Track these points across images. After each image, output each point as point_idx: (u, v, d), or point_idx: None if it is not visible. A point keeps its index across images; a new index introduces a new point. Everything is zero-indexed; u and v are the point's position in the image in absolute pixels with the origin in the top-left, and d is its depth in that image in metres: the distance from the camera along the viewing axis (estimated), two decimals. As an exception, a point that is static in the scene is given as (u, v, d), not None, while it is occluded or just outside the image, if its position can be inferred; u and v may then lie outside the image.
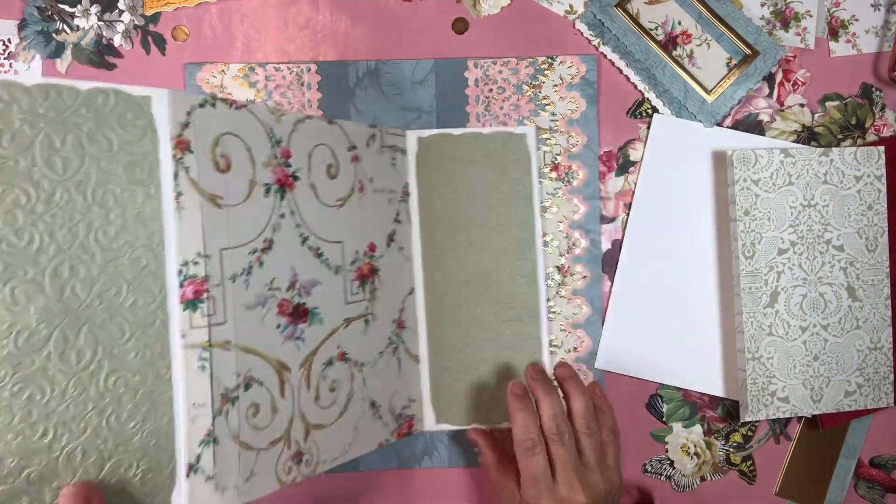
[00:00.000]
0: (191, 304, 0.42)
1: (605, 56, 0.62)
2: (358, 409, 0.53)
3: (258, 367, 0.46)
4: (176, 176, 0.41)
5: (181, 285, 0.42)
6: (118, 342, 0.41)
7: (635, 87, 0.63)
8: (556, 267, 0.62)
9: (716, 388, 0.62)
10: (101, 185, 0.40)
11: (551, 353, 0.62)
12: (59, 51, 0.60)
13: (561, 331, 0.62)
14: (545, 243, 0.62)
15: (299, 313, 0.49)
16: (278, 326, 0.47)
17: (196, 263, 0.42)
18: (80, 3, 0.60)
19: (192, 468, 0.41)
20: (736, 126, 0.63)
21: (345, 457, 0.51)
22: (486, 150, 0.59)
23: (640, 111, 0.63)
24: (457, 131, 0.60)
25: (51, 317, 0.39)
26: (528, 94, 0.62)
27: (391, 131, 0.58)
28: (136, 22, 0.61)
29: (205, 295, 0.42)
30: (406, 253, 0.59)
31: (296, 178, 0.49)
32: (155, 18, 0.61)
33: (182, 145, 0.42)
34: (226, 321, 0.44)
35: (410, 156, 0.59)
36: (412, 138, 0.59)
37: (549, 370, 0.58)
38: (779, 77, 0.63)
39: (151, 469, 0.41)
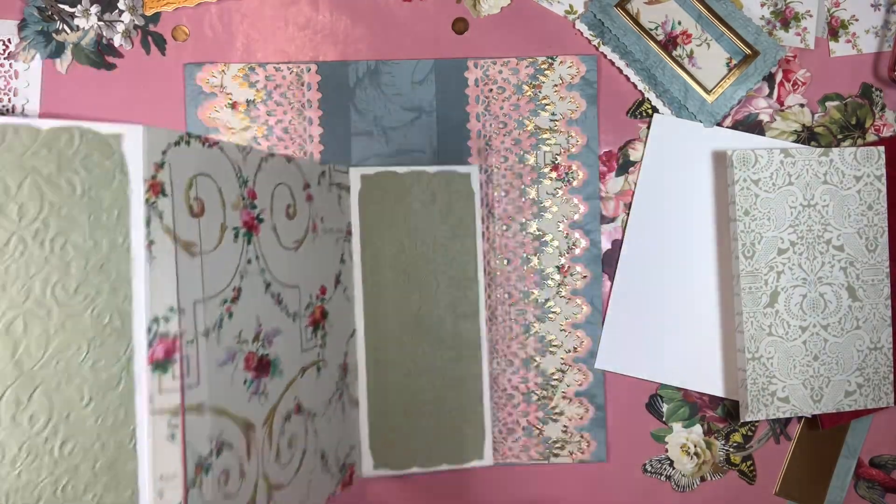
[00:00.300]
0: (160, 365, 0.37)
1: (605, 56, 0.62)
2: (310, 462, 0.51)
3: (228, 429, 0.41)
4: (148, 222, 0.37)
5: (150, 344, 0.36)
6: (76, 406, 0.37)
7: (635, 87, 0.63)
8: (556, 267, 0.62)
9: (716, 388, 0.62)
10: (61, 234, 0.36)
11: (551, 353, 0.62)
12: (59, 51, 0.60)
13: (561, 331, 0.62)
14: (545, 243, 0.62)
15: (263, 366, 0.46)
16: (245, 382, 0.44)
17: (167, 320, 0.37)
18: (80, 3, 0.60)
19: None
20: (736, 126, 0.63)
21: None
22: (431, 189, 0.59)
23: (640, 111, 0.63)
24: (401, 169, 0.58)
25: (1, 377, 0.36)
26: (528, 94, 0.62)
27: (338, 168, 0.57)
28: (136, 22, 0.61)
29: (176, 355, 0.38)
30: (349, 294, 0.57)
31: (260, 221, 0.46)
32: (155, 18, 0.61)
33: (156, 188, 0.37)
34: (199, 382, 0.39)
35: (353, 193, 0.58)
36: (355, 176, 0.58)
37: (488, 406, 0.59)
38: (779, 77, 0.63)
39: None
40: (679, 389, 0.63)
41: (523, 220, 0.62)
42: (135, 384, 0.37)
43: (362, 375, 0.58)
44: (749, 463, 0.63)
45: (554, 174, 0.62)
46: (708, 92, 0.61)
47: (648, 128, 0.62)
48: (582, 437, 0.62)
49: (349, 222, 0.57)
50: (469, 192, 0.59)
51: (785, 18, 0.63)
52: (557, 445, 0.62)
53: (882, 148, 0.60)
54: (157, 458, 0.36)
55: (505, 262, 0.62)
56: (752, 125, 0.63)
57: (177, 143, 0.39)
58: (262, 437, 0.44)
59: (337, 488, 0.54)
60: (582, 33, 0.62)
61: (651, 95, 0.62)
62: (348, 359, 0.56)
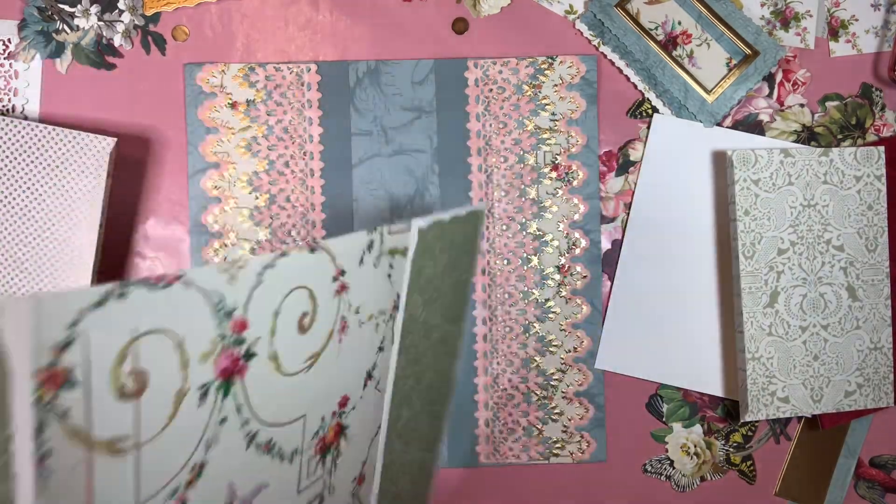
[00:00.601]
0: None
1: (605, 56, 0.62)
2: None
3: None
4: (41, 429, 0.25)
5: None
6: None
7: (635, 87, 0.63)
8: (556, 267, 0.62)
9: (716, 388, 0.62)
10: None
11: (551, 353, 0.62)
12: (59, 51, 0.60)
13: (561, 331, 0.62)
14: (545, 243, 0.62)
15: None
16: None
17: None
18: (80, 3, 0.60)
19: None
20: (736, 126, 0.63)
21: None
22: (450, 238, 0.46)
23: (640, 111, 0.63)
24: (446, 215, 0.45)
25: None
26: (528, 94, 0.62)
27: (394, 230, 0.42)
28: (136, 22, 0.61)
29: None
30: (381, 386, 0.44)
31: (250, 357, 0.34)
32: (155, 18, 0.61)
33: (56, 379, 0.25)
34: None
35: (409, 257, 0.43)
36: (414, 229, 0.43)
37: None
38: (779, 77, 0.63)
39: None
40: (679, 389, 0.63)
41: (523, 220, 0.62)
42: None
43: (377, 480, 0.47)
44: (749, 463, 0.63)
45: (554, 174, 0.62)
46: (708, 92, 0.61)
47: (648, 128, 0.62)
48: (582, 437, 0.62)
49: (397, 295, 0.43)
50: (473, 234, 0.48)
51: (785, 18, 0.63)
52: (557, 445, 0.62)
53: (882, 148, 0.60)
54: None
55: (505, 262, 0.62)
56: (752, 125, 0.63)
57: (99, 304, 0.26)
58: None
59: None
60: (582, 33, 0.62)
61: (651, 95, 0.62)
62: (366, 468, 0.45)
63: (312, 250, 0.37)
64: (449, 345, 0.47)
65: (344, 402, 0.41)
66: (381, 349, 0.43)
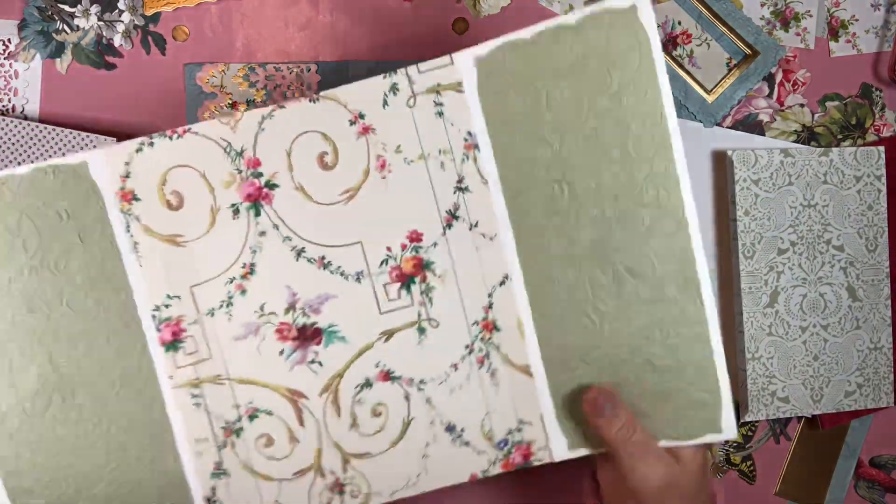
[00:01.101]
0: (171, 345, 0.43)
1: (605, 56, 0.62)
2: (423, 434, 0.45)
3: (262, 397, 0.43)
4: (128, 228, 0.42)
5: (158, 330, 0.42)
6: (109, 394, 0.42)
7: (635, 87, 0.63)
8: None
9: (716, 388, 0.62)
10: (62, 256, 0.42)
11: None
12: (59, 51, 0.60)
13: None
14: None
15: (308, 335, 0.43)
16: (281, 353, 0.43)
17: (168, 306, 0.42)
18: (80, 3, 0.60)
19: (209, 501, 0.43)
20: (736, 126, 0.63)
21: (412, 489, 0.45)
22: (578, 53, 0.41)
23: (640, 111, 0.63)
24: (526, 32, 0.41)
25: (46, 382, 0.42)
26: (528, 93, 0.62)
27: (426, 67, 0.42)
28: (136, 22, 0.61)
29: (183, 335, 0.43)
30: (486, 229, 0.43)
31: (272, 188, 0.42)
32: (155, 18, 0.61)
33: (126, 196, 0.42)
34: (211, 356, 0.43)
35: (469, 91, 0.42)
36: (466, 62, 0.42)
37: (722, 360, 0.43)
38: (779, 77, 0.63)
39: None
40: (679, 389, 0.63)
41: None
42: (154, 365, 0.42)
43: (531, 336, 0.44)
44: (749, 463, 0.63)
45: (554, 174, 0.62)
46: (708, 92, 0.61)
47: (648, 128, 0.62)
48: (582, 436, 0.62)
49: (469, 132, 0.42)
50: (635, 42, 0.41)
51: (785, 18, 0.63)
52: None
53: (882, 148, 0.60)
54: (190, 425, 0.43)
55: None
56: (752, 125, 0.63)
57: (138, 150, 0.42)
58: (323, 406, 0.44)
59: (495, 467, 0.45)
60: (582, 33, 0.62)
61: (651, 95, 0.62)
62: (494, 314, 0.44)
63: (314, 101, 0.42)
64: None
65: (416, 237, 0.43)
66: (462, 189, 0.43)
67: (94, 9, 0.60)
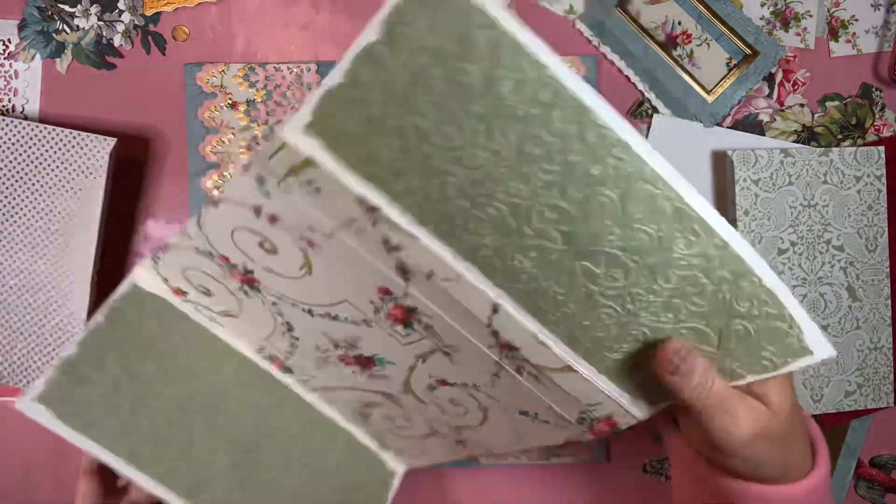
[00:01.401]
0: (285, 370, 0.50)
1: (605, 56, 0.62)
2: (500, 417, 0.46)
3: (354, 399, 0.50)
4: (197, 309, 0.47)
5: (271, 362, 0.51)
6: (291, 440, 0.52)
7: (635, 87, 0.63)
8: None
9: (716, 388, 0.62)
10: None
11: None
12: (59, 51, 0.60)
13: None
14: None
15: (363, 361, 0.46)
16: (354, 372, 0.48)
17: (264, 348, 0.49)
18: (80, 3, 0.60)
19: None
20: (736, 126, 0.63)
21: (518, 445, 0.49)
22: (411, 69, 0.36)
23: (640, 111, 0.63)
24: (337, 74, 0.37)
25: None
26: (528, 93, 0.62)
27: (267, 149, 0.35)
28: (136, 22, 0.61)
29: (285, 365, 0.50)
30: (445, 273, 0.37)
31: (249, 272, 0.42)
32: (155, 18, 0.61)
33: (178, 293, 0.47)
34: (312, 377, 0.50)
35: (324, 160, 0.34)
36: (296, 136, 0.34)
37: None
38: (779, 77, 0.63)
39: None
40: (679, 389, 0.63)
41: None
42: (292, 388, 0.51)
43: (553, 343, 0.39)
44: (749, 463, 0.63)
45: (554, 174, 0.62)
46: (708, 92, 0.61)
47: (648, 128, 0.62)
48: (582, 436, 0.62)
49: (358, 200, 0.35)
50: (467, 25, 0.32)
51: (785, 18, 0.63)
52: (558, 445, 0.62)
53: (882, 148, 0.60)
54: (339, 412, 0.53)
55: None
56: (752, 125, 0.63)
57: (153, 264, 0.45)
58: (411, 401, 0.48)
59: (584, 435, 0.44)
60: (582, 33, 0.62)
61: (651, 95, 0.62)
62: (505, 337, 0.39)
63: (215, 203, 0.38)
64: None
65: (385, 292, 0.39)
66: (393, 248, 0.36)
67: (94, 9, 0.60)
